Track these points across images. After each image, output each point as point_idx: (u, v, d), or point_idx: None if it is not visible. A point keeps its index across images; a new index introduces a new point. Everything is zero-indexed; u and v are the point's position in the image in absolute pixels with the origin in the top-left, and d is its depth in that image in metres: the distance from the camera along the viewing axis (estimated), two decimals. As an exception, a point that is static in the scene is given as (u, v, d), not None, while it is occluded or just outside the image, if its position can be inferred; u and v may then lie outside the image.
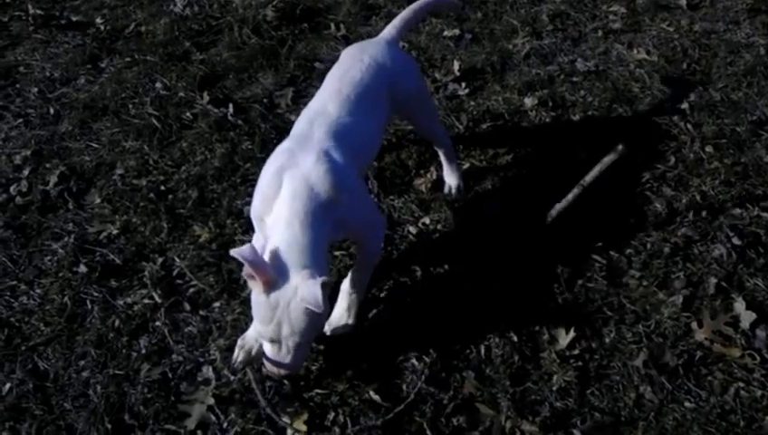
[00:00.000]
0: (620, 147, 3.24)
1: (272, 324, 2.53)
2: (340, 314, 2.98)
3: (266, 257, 2.54)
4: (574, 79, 4.23)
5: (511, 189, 3.55)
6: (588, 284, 3.18)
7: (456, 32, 4.62)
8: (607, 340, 3.00)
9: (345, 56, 3.23)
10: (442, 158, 3.54)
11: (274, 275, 2.51)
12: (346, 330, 2.97)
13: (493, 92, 4.17)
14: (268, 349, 2.62)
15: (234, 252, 2.47)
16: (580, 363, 2.93)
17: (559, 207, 3.28)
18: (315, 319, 2.55)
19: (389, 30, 3.39)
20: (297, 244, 2.56)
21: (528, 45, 4.50)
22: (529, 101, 4.07)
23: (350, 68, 3.09)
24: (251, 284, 2.55)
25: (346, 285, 2.99)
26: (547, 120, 3.97)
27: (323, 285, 2.43)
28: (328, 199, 2.64)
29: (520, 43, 4.52)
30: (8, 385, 2.93)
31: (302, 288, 2.48)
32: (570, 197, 3.27)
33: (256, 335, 2.72)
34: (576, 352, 2.96)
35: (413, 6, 3.45)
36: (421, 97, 3.39)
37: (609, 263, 3.23)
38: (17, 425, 2.82)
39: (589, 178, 3.29)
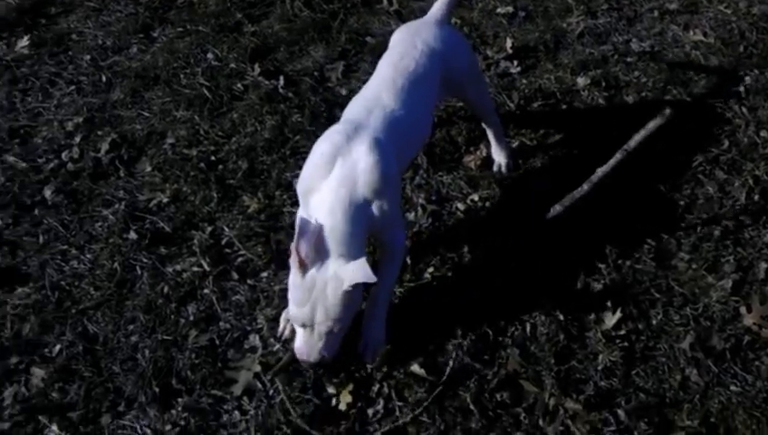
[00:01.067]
0: (668, 111, 3.20)
1: (306, 307, 2.57)
2: (372, 328, 2.88)
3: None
4: (628, 59, 4.18)
5: (560, 168, 3.52)
6: (636, 265, 3.15)
7: (510, 9, 4.58)
8: (654, 322, 2.98)
9: (397, 41, 3.22)
10: (490, 135, 3.52)
11: (314, 256, 2.51)
12: (381, 338, 2.89)
13: (545, 71, 4.13)
14: (300, 335, 2.65)
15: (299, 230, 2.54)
16: (626, 344, 2.91)
17: (600, 171, 3.23)
18: (350, 306, 2.60)
19: (439, 7, 3.36)
20: (338, 231, 2.60)
21: (582, 24, 4.44)
22: (582, 81, 4.03)
23: (403, 56, 3.09)
24: (291, 262, 2.56)
25: (371, 297, 2.90)
26: (600, 100, 3.93)
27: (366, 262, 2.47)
28: (372, 192, 2.68)
29: (574, 21, 4.47)
30: (58, 347, 2.98)
31: (344, 270, 2.53)
32: (612, 162, 3.23)
33: (290, 319, 2.72)
34: (622, 332, 2.94)
35: None
36: (473, 75, 3.39)
37: (659, 245, 3.20)
38: (66, 386, 2.86)
39: (633, 142, 3.25)
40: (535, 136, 3.75)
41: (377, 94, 2.96)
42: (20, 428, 2.76)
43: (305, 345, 2.63)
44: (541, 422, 2.71)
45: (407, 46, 3.14)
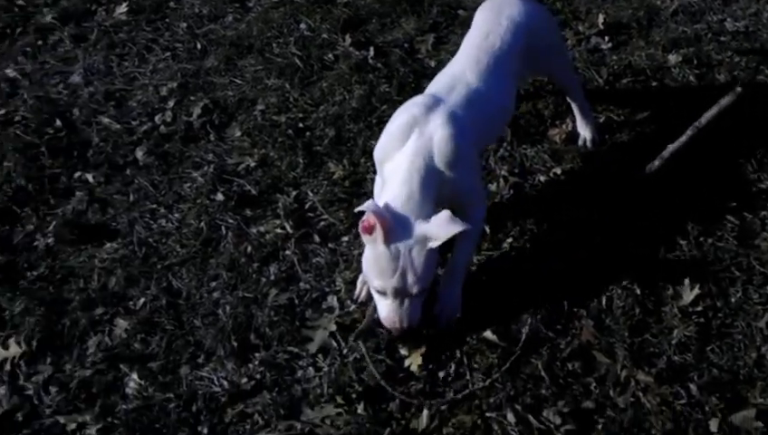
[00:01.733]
0: (739, 89, 3.14)
1: (395, 276, 2.59)
2: (447, 295, 2.90)
3: (382, 205, 2.62)
4: (722, 38, 4.08)
5: (647, 145, 3.46)
6: (718, 243, 3.10)
7: (603, -14, 4.52)
8: (732, 299, 2.92)
9: (482, 18, 3.21)
10: (576, 109, 3.50)
11: (395, 226, 2.56)
12: (455, 306, 2.89)
13: (636, 48, 4.07)
14: (385, 304, 2.67)
15: (362, 207, 2.57)
16: (702, 320, 2.86)
17: (672, 147, 3.18)
18: (434, 263, 2.63)
19: None
20: (413, 199, 2.64)
21: (677, 2, 4.35)
22: (673, 58, 3.95)
23: (489, 33, 3.10)
24: (366, 239, 2.61)
25: (448, 266, 2.93)
26: (691, 78, 3.85)
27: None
28: (446, 164, 2.71)
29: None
30: (142, 300, 3.08)
31: (429, 228, 2.56)
32: (684, 138, 3.18)
33: (375, 292, 2.75)
34: (699, 308, 2.89)
35: None
36: (558, 49, 3.40)
37: (742, 224, 3.14)
38: (148, 337, 2.96)
39: (704, 119, 3.20)
40: (623, 112, 3.70)
41: (461, 71, 2.98)
42: (101, 375, 2.86)
43: (394, 314, 2.66)
44: (611, 393, 2.69)
45: (491, 24, 3.14)
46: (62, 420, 2.71)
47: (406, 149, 2.73)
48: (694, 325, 2.85)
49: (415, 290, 2.62)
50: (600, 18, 4.22)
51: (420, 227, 2.59)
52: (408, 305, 2.65)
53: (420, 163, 2.69)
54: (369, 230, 2.58)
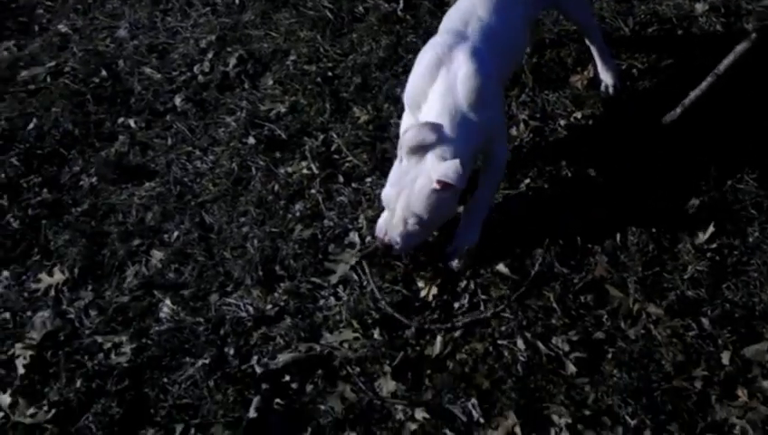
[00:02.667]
0: (754, 35, 3.18)
1: (394, 189, 2.73)
2: (464, 233, 3.00)
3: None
4: (753, -12, 4.11)
5: (670, 93, 3.52)
6: (737, 184, 3.16)
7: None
8: (750, 239, 2.99)
9: None
10: (595, 53, 3.56)
11: (417, 147, 2.68)
12: (470, 245, 2.99)
13: (663, -3, 4.12)
14: (384, 215, 2.82)
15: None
16: (717, 258, 2.93)
17: (693, 95, 3.25)
18: (433, 207, 2.73)
19: None
20: (444, 136, 2.74)
21: (705, -46, 4.37)
22: (700, 7, 3.99)
23: None
24: (399, 151, 2.74)
25: (469, 204, 3.02)
26: (717, 26, 3.89)
27: (461, 165, 2.63)
28: (474, 99, 2.82)
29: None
30: (176, 233, 3.27)
31: (436, 167, 2.68)
32: (703, 85, 3.25)
33: (382, 196, 2.87)
34: (714, 246, 2.96)
35: None
36: None
37: (762, 166, 3.19)
38: (181, 267, 3.14)
39: (722, 67, 3.25)
40: (648, 60, 3.75)
41: (472, 6, 3.07)
42: (137, 301, 3.05)
43: (383, 224, 2.81)
44: (622, 325, 2.79)
45: None
46: (99, 339, 2.91)
47: (435, 88, 2.84)
48: (707, 261, 2.92)
49: (402, 214, 2.75)
50: None
51: (431, 162, 2.71)
52: (399, 227, 2.77)
53: (451, 101, 2.80)
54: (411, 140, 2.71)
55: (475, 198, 3.01)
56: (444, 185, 2.69)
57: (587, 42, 3.57)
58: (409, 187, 2.73)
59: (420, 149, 2.72)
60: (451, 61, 2.85)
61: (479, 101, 2.82)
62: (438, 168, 2.69)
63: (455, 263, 2.97)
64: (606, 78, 3.57)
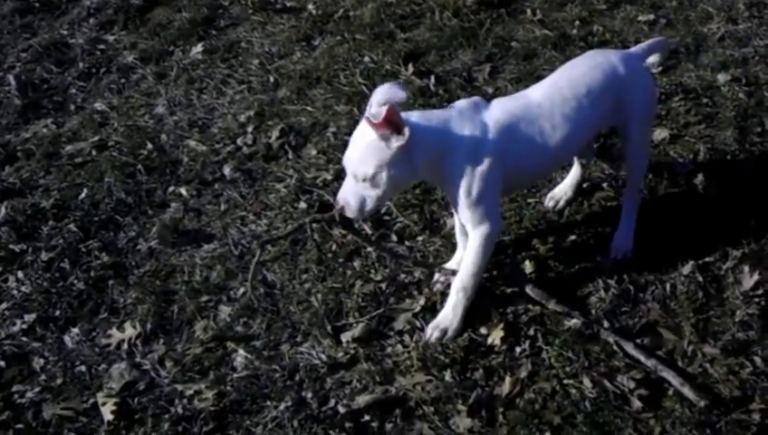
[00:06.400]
0: None
1: (348, 151, 2.87)
2: (445, 314, 3.10)
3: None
4: (769, 61, 4.36)
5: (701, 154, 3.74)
6: (776, 238, 3.32)
7: (651, 17, 4.82)
8: (792, 286, 3.14)
9: (582, 58, 3.30)
10: (624, 209, 3.41)
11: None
12: (449, 334, 3.07)
13: (686, 70, 4.35)
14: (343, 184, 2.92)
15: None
16: (763, 303, 3.09)
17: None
18: (374, 155, 2.79)
19: (640, 46, 3.42)
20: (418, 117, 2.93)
21: (723, 29, 4.64)
22: (722, 78, 4.23)
23: (580, 70, 3.20)
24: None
25: (455, 281, 3.10)
26: (740, 94, 4.11)
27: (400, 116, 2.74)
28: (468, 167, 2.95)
29: (714, 27, 4.67)
30: (242, 290, 3.38)
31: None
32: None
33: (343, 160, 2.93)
34: (760, 292, 3.12)
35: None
36: (645, 118, 3.35)
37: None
38: (250, 321, 3.25)
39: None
40: (676, 126, 3.97)
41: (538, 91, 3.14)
42: (211, 352, 3.15)
43: (341, 192, 2.92)
44: (680, 364, 2.92)
45: (588, 64, 3.19)
46: (179, 387, 2.99)
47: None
48: (755, 306, 3.08)
49: (356, 171, 2.83)
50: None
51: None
52: (355, 189, 2.87)
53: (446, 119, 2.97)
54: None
55: (460, 275, 3.10)
56: (377, 127, 2.74)
57: (624, 191, 3.47)
58: (358, 142, 2.84)
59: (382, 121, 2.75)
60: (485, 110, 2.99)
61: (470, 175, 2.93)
62: (374, 110, 2.75)
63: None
64: (620, 242, 3.36)
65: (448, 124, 2.91)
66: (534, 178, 3.44)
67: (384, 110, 2.68)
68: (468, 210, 2.96)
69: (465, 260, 3.06)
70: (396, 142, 2.76)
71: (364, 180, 2.82)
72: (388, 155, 2.79)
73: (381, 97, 2.75)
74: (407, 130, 2.74)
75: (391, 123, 2.72)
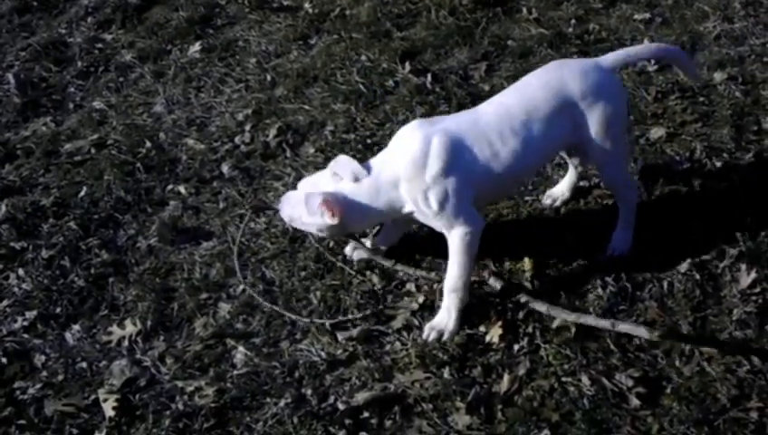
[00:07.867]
0: None
1: (303, 184, 3.23)
2: (441, 315, 3.13)
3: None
4: (765, 59, 4.36)
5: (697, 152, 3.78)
6: (773, 237, 3.34)
7: (647, 15, 4.83)
8: (789, 284, 3.16)
9: (543, 71, 3.25)
10: (620, 218, 3.39)
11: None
12: (446, 335, 3.10)
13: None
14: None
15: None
16: (760, 301, 3.12)
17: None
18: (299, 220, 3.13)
19: (615, 56, 3.30)
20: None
21: (719, 28, 4.64)
22: (718, 76, 4.24)
23: (535, 87, 3.17)
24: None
25: (445, 283, 3.12)
26: (736, 93, 4.13)
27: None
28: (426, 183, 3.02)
29: (710, 25, 4.68)
30: (241, 287, 3.40)
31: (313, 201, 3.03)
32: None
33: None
34: (758, 290, 3.15)
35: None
36: (611, 133, 3.21)
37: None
38: (249, 318, 3.28)
39: None
40: (672, 125, 3.98)
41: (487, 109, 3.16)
42: (211, 349, 3.18)
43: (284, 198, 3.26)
44: (677, 363, 2.94)
45: (546, 79, 3.14)
46: (180, 384, 3.02)
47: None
48: (753, 304, 3.10)
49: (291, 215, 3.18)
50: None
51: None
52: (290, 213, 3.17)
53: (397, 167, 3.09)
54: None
55: (449, 278, 3.12)
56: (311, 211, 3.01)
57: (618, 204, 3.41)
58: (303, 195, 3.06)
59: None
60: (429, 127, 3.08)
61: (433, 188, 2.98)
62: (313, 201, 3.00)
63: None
64: (619, 241, 3.37)
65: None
66: (496, 193, 3.32)
67: (320, 201, 2.95)
68: (434, 219, 3.02)
69: (449, 263, 3.08)
70: (329, 221, 2.99)
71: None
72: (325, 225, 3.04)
73: (346, 167, 3.05)
74: (336, 219, 2.98)
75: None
